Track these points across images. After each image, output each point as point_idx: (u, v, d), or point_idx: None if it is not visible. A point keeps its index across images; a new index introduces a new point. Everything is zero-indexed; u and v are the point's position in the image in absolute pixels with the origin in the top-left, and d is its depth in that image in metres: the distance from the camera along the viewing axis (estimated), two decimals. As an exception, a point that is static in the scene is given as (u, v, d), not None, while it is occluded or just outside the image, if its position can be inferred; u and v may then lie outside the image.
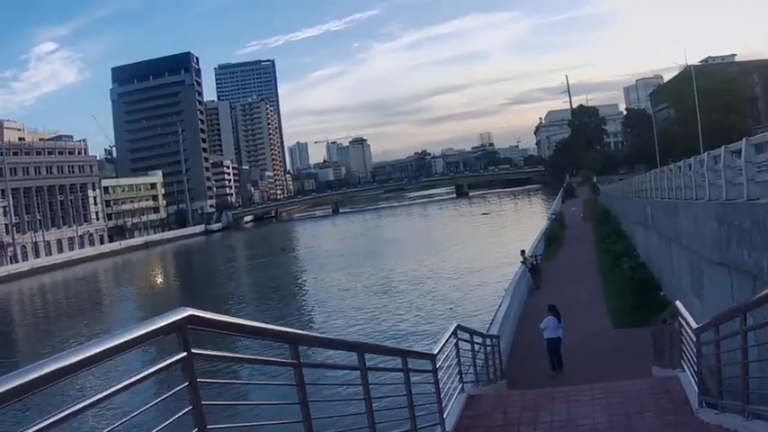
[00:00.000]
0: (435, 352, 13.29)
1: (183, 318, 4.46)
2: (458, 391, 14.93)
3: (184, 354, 4.62)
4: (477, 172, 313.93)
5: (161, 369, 4.42)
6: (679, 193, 28.89)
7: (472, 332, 18.04)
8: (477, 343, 18.44)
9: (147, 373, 4.22)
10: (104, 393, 3.71)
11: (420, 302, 56.12)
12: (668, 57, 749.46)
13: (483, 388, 17.93)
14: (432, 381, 12.72)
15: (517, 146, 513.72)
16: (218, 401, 5.72)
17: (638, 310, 32.08)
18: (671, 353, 16.84)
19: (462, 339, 16.34)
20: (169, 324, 4.32)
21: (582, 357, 26.11)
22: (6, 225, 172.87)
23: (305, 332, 7.48)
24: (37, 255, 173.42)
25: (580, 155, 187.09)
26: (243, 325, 5.66)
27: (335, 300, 63.97)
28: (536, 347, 27.00)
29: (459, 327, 16.13)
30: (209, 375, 5.55)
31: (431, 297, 58.00)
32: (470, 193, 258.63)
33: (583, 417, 13.16)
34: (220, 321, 5.18)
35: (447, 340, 14.82)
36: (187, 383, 4.68)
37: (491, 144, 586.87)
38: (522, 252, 47.11)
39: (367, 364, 9.02)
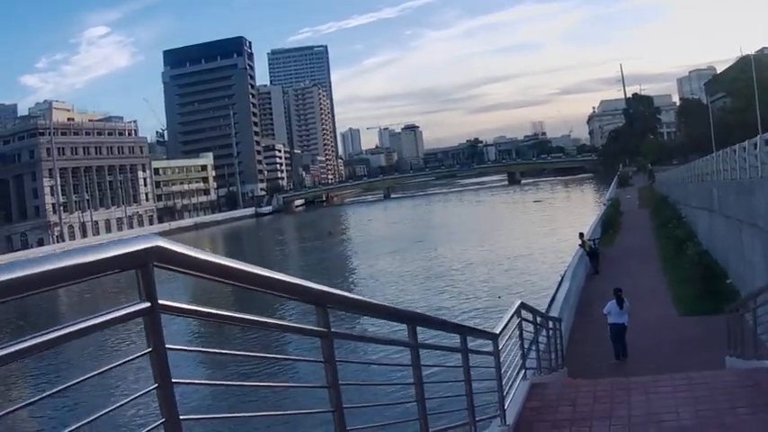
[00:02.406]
0: (498, 331, 11.42)
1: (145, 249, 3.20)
2: (520, 377, 12.98)
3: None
4: (529, 160, 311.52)
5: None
6: (754, 172, 26.90)
7: (536, 312, 16.11)
8: (540, 325, 16.60)
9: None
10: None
11: (470, 287, 54.42)
12: (721, 48, 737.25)
13: (545, 376, 16.17)
14: (492, 365, 10.93)
15: (569, 135, 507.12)
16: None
17: (704, 298, 30.33)
18: (755, 342, 15.18)
19: (525, 320, 14.38)
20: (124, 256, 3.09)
21: (646, 345, 24.33)
22: (54, 204, 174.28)
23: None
24: (84, 234, 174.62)
25: (634, 143, 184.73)
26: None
27: (381, 283, 62.72)
28: (597, 334, 25.31)
29: (522, 305, 14.06)
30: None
31: (481, 282, 56.31)
32: (522, 181, 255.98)
33: (665, 411, 11.26)
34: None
35: (510, 319, 12.79)
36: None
37: (543, 133, 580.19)
38: (581, 235, 45.36)
39: (421, 340, 7.65)
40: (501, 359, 11.33)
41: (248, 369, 30.65)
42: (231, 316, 4.14)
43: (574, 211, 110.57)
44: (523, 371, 13.46)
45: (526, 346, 14.27)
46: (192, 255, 3.55)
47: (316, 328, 5.25)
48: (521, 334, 13.70)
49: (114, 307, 3.08)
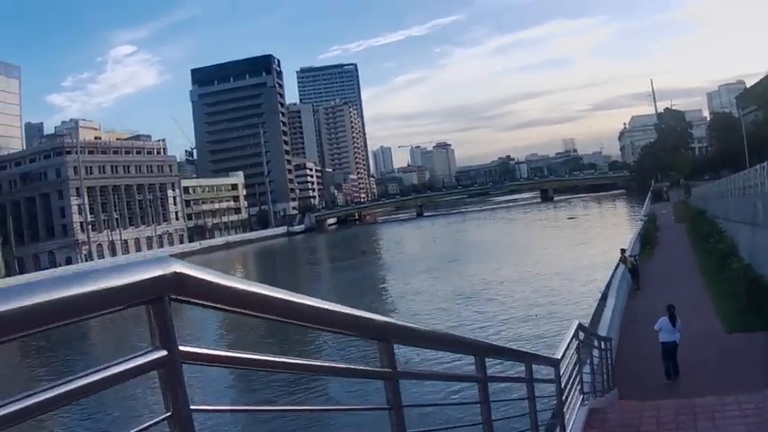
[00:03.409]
0: (559, 356, 10.91)
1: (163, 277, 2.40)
2: (578, 403, 12.50)
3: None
4: (561, 177, 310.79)
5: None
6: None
7: (591, 333, 15.64)
8: (595, 346, 15.89)
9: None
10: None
11: (505, 306, 53.03)
12: (750, 62, 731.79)
13: (598, 399, 15.20)
14: (553, 392, 10.51)
15: (600, 151, 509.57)
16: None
17: (750, 313, 29.03)
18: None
19: (582, 341, 13.56)
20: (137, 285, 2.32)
21: (694, 362, 23.04)
22: (82, 223, 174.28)
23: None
24: (114, 253, 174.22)
25: (667, 159, 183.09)
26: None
27: (416, 303, 61.25)
28: (644, 352, 24.23)
29: (580, 326, 13.31)
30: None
31: (516, 301, 54.83)
32: (555, 198, 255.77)
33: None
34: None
35: (569, 343, 12.08)
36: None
37: (575, 150, 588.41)
38: (623, 251, 44.50)
39: (488, 372, 6.93)
40: (561, 385, 10.77)
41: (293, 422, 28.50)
42: (275, 362, 3.35)
43: (608, 228, 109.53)
44: (581, 396, 13.03)
45: (583, 368, 13.82)
46: (221, 283, 2.70)
47: (378, 369, 4.41)
48: (579, 357, 13.05)
49: (125, 350, 2.20)
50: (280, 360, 3.34)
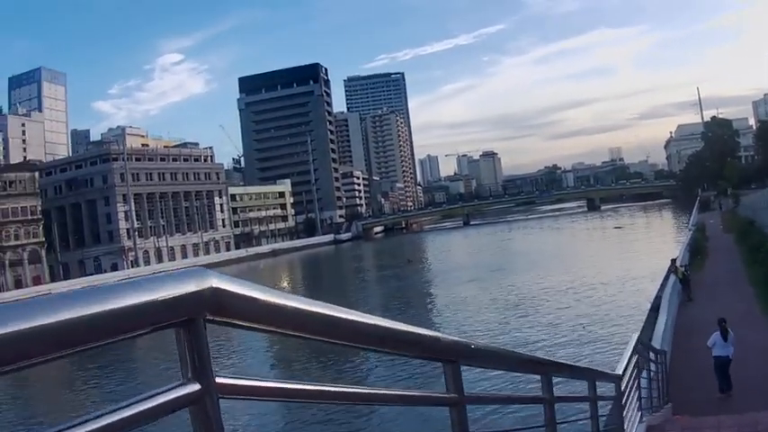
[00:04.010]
0: (620, 372, 10.52)
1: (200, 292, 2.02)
2: (637, 420, 11.99)
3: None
4: (608, 186, 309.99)
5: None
6: None
7: (649, 347, 15.33)
8: (651, 360, 15.51)
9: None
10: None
11: (552, 317, 52.39)
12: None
13: (654, 415, 14.79)
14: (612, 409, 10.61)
15: (646, 160, 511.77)
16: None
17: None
18: None
19: (640, 355, 13.19)
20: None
21: (748, 375, 22.03)
22: (128, 230, 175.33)
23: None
24: (160, 260, 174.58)
25: (713, 167, 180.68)
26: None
27: (461, 313, 60.57)
28: (697, 365, 23.37)
29: (639, 340, 13.01)
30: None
31: (563, 311, 54.35)
32: (602, 207, 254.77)
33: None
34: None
35: (630, 357, 11.65)
36: None
37: (621, 159, 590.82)
38: (673, 261, 43.49)
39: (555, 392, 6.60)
40: (622, 402, 10.44)
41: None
42: (329, 392, 2.90)
43: (655, 238, 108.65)
44: (640, 412, 12.60)
45: (642, 384, 13.33)
46: (268, 300, 2.26)
47: (444, 395, 3.93)
48: (638, 372, 12.70)
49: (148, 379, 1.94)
50: (334, 390, 2.93)
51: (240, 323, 2.15)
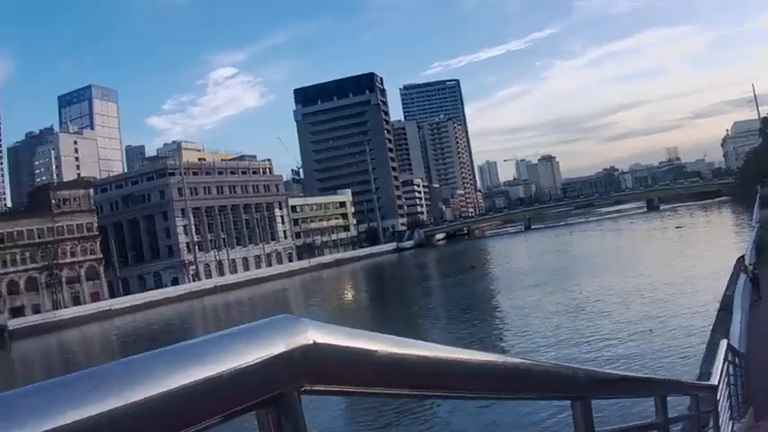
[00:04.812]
0: (716, 382, 9.25)
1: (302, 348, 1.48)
2: (729, 430, 10.66)
3: None
4: (666, 186, 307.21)
5: None
6: None
7: (735, 352, 14.50)
8: (736, 364, 14.01)
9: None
10: None
11: (618, 321, 50.77)
12: None
13: (741, 422, 13.62)
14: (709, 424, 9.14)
15: (703, 159, 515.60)
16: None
17: None
18: None
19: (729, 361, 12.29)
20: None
21: None
22: (188, 244, 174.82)
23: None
24: (221, 273, 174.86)
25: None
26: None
27: (526, 319, 59.55)
28: None
29: (729, 346, 12.23)
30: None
31: (628, 313, 52.76)
32: (661, 207, 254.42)
33: None
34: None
35: (723, 366, 10.67)
36: None
37: (677, 158, 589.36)
38: (741, 259, 42.65)
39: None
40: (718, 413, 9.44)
41: None
42: None
43: (716, 236, 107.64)
44: (732, 422, 11.46)
45: (730, 392, 11.99)
46: (384, 352, 1.66)
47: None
48: (728, 381, 11.67)
49: None
50: None
51: (350, 389, 1.60)
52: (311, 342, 1.34)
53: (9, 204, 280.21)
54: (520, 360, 2.36)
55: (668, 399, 6.60)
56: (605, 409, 20.11)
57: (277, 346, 1.28)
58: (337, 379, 1.45)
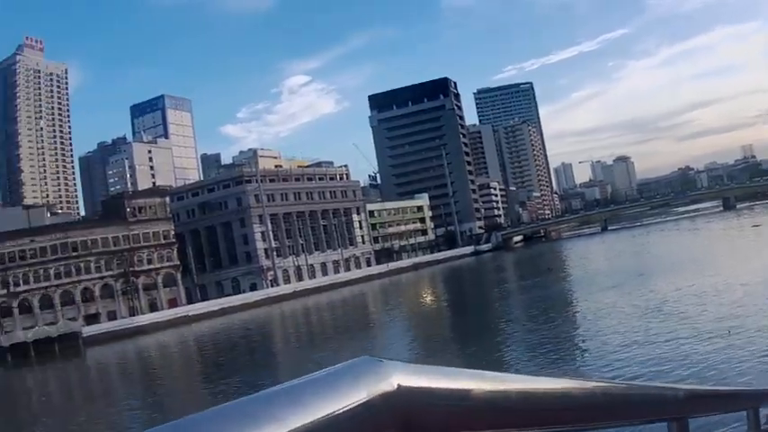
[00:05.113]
0: None
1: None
2: None
3: None
4: (742, 184, 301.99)
5: None
6: None
7: None
8: None
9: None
10: None
11: (696, 323, 49.34)
12: None
13: None
14: None
15: None
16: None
17: None
18: None
19: None
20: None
21: None
22: (266, 250, 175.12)
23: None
24: (300, 278, 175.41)
25: None
26: None
27: (605, 321, 58.71)
28: None
29: None
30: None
31: (707, 314, 51.93)
32: (737, 206, 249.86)
33: None
34: None
35: None
36: None
37: (753, 156, 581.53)
38: None
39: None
40: None
41: None
42: None
43: None
44: None
45: None
46: (477, 390, 1.58)
47: None
48: None
49: None
50: None
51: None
52: (395, 387, 1.24)
53: (82, 213, 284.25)
54: (613, 383, 2.28)
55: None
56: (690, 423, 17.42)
57: (357, 394, 1.18)
58: (428, 426, 1.35)
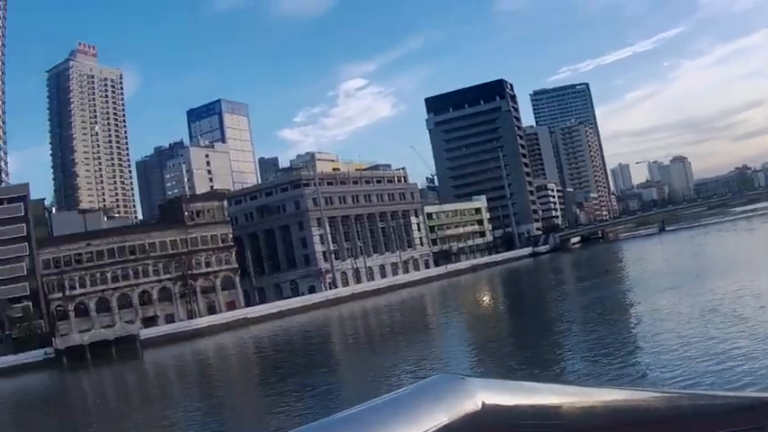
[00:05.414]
0: None
1: None
2: None
3: None
4: None
5: None
6: None
7: None
8: None
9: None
10: None
11: (755, 325, 48.30)
12: None
13: None
14: None
15: None
16: None
17: None
18: None
19: None
20: None
21: None
22: (324, 252, 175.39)
23: None
24: (358, 280, 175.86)
25: None
26: None
27: (661, 323, 57.91)
28: None
29: None
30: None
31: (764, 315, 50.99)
32: None
33: None
34: None
35: None
36: None
37: None
38: None
39: None
40: None
41: None
42: None
43: None
44: None
45: None
46: (556, 403, 1.64)
47: None
48: None
49: None
50: None
51: None
52: (480, 406, 1.21)
53: (140, 217, 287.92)
54: (696, 392, 2.24)
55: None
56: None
57: (441, 415, 1.13)
58: None
